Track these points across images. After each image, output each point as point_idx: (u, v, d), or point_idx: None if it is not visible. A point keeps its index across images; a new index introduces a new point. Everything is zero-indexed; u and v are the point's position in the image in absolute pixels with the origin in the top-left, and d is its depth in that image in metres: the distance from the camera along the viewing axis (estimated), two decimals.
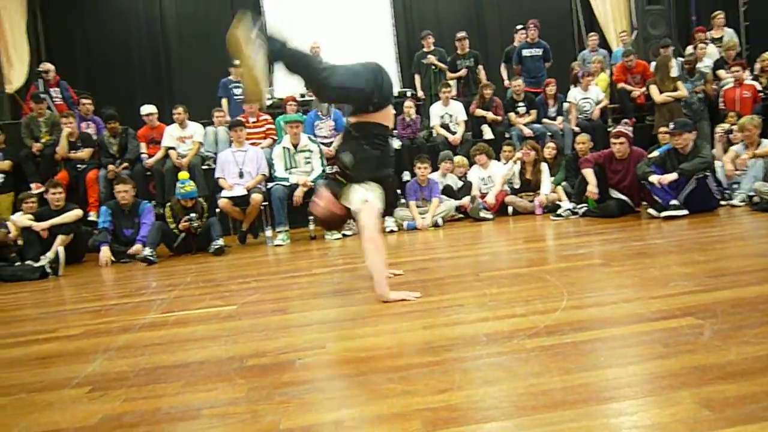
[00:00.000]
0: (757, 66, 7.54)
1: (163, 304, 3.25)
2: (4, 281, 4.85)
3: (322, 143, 6.90)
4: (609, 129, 7.14)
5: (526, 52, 8.21)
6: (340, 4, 10.47)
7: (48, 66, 7.75)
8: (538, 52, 8.21)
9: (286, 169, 5.85)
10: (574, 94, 7.65)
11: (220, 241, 5.22)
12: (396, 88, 9.06)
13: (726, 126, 6.32)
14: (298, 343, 2.17)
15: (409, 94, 8.49)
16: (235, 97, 7.80)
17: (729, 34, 8.55)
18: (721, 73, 7.69)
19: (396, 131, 7.50)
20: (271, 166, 6.00)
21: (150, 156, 6.95)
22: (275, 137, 6.93)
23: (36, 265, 4.97)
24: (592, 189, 5.30)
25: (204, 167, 6.87)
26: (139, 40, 10.17)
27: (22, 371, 2.19)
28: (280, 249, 5.36)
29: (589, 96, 7.56)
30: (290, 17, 10.30)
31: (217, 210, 5.80)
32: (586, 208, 5.45)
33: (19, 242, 5.32)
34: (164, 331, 2.61)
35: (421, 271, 3.51)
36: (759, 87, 7.07)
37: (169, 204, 5.63)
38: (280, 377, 1.81)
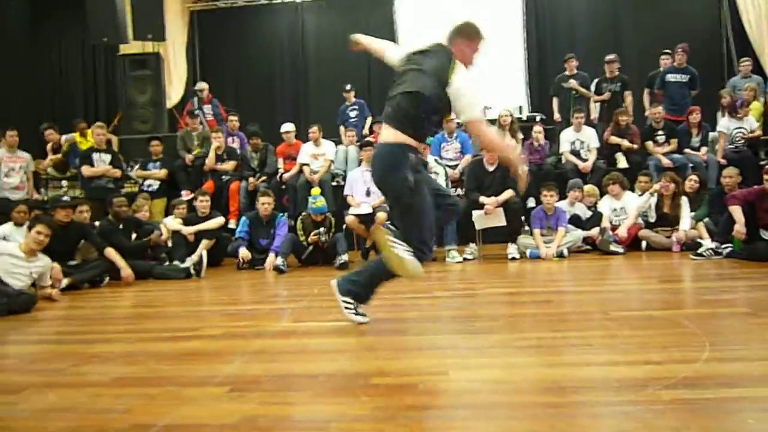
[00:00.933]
0: None
1: (293, 313, 3.45)
2: (155, 278, 5.40)
3: (448, 165, 6.96)
4: (762, 163, 6.52)
5: (670, 77, 7.72)
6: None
7: (203, 85, 8.56)
8: (685, 78, 7.70)
9: None
10: (726, 123, 7.08)
11: (345, 257, 5.44)
12: (525, 113, 8.94)
13: None
14: (420, 367, 2.21)
15: (538, 118, 8.33)
16: (350, 120, 8.14)
17: None
18: None
19: (523, 156, 7.38)
20: None
21: (286, 171, 7.41)
22: None
23: (182, 266, 5.48)
24: (740, 228, 4.85)
25: (333, 184, 7.19)
26: (282, 61, 10.92)
27: (170, 365, 2.42)
28: None
29: (743, 126, 6.96)
30: (424, 34, 10.54)
31: (344, 226, 6.04)
32: (730, 249, 5.00)
33: (169, 244, 5.91)
34: (294, 340, 2.77)
35: (544, 304, 3.42)
36: None
37: (300, 217, 5.96)
38: (404, 399, 1.86)
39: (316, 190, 6.06)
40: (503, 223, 5.71)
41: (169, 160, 7.49)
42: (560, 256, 5.61)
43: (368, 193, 6.10)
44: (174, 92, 9.66)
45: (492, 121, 7.71)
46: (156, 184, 7.28)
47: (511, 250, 5.70)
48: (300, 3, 10.89)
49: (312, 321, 3.15)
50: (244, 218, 6.05)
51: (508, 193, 5.67)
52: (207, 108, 8.46)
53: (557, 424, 1.59)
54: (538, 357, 2.27)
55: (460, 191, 6.57)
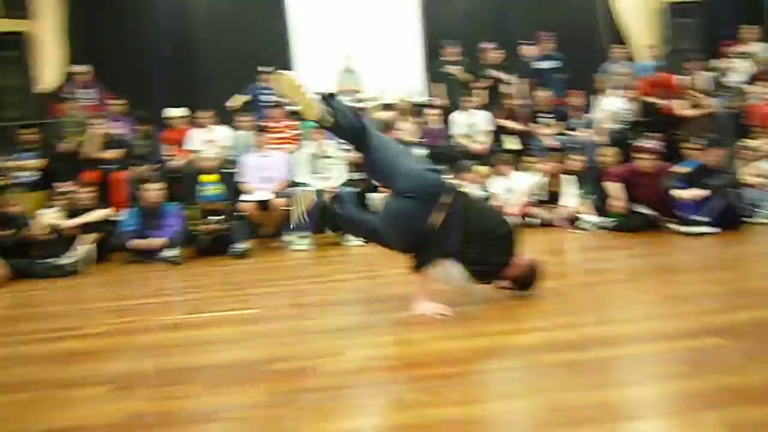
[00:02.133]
0: None
1: (186, 305, 3.30)
2: (36, 277, 4.96)
3: (347, 149, 6.93)
4: (635, 142, 7.05)
5: (548, 64, 8.18)
6: (367, 13, 10.54)
7: (80, 68, 7.93)
8: (555, 63, 8.19)
9: (310, 175, 5.89)
10: (615, 103, 7.58)
11: (242, 245, 5.26)
12: (420, 97, 9.09)
13: (749, 142, 6.20)
14: (317, 349, 2.18)
15: (434, 102, 8.50)
16: (261, 104, 7.89)
17: (761, 49, 8.40)
18: (749, 88, 7.56)
19: (420, 140, 7.51)
20: (294, 171, 6.05)
21: (176, 159, 7.06)
22: (300, 142, 6.99)
23: (63, 262, 5.07)
24: (617, 203, 5.24)
25: (228, 171, 6.95)
26: (171, 43, 10.35)
27: (48, 367, 2.24)
28: (300, 254, 5.39)
29: (631, 107, 7.51)
30: (315, 20, 10.40)
31: (240, 214, 5.85)
32: (610, 222, 5.38)
33: (49, 239, 5.45)
34: (186, 332, 2.65)
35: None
36: None
37: (193, 206, 5.70)
38: (300, 383, 1.83)
39: (207, 177, 5.82)
40: None
41: (48, 150, 6.89)
42: None
43: (265, 179, 5.95)
44: (49, 76, 8.88)
45: (389, 105, 7.80)
46: (32, 176, 6.68)
47: None
48: None
49: (207, 312, 3.03)
50: (130, 209, 5.70)
51: None
52: (87, 92, 7.85)
53: (449, 393, 1.63)
54: (435, 331, 2.31)
55: (359, 174, 6.58)
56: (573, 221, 5.80)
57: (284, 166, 6.05)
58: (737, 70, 8.02)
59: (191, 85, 10.23)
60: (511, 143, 7.51)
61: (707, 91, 7.26)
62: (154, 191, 5.59)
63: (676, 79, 7.86)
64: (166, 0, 10.32)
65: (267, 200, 5.77)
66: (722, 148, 4.98)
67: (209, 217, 5.46)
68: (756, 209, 5.25)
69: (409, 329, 2.38)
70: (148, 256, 5.43)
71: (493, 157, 6.82)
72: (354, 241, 5.63)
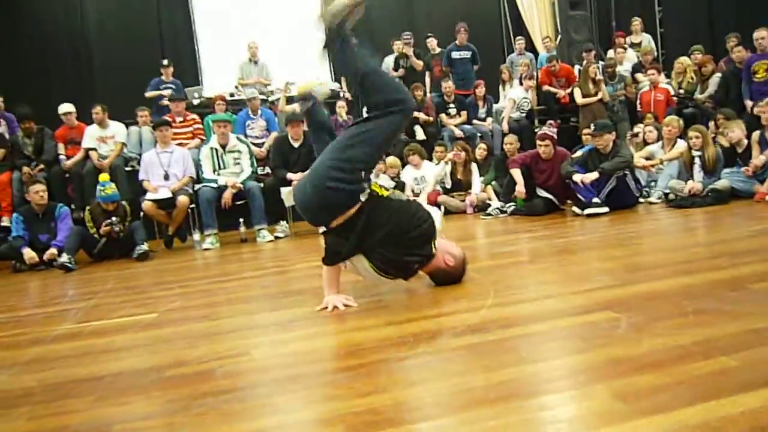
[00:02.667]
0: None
1: (79, 313, 3.07)
2: None
3: (253, 143, 6.76)
4: (536, 130, 7.36)
5: (455, 55, 8.35)
6: (272, 5, 10.31)
7: None
8: (467, 54, 8.37)
9: (214, 171, 5.68)
10: (516, 92, 7.83)
11: (144, 246, 5.01)
12: (331, 87, 9.02)
13: (637, 129, 6.64)
14: (221, 351, 2.09)
15: (342, 94, 8.45)
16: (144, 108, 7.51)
17: (646, 39, 9.00)
18: (639, 76, 8.09)
19: None
20: (198, 167, 5.81)
21: (69, 157, 6.60)
22: (203, 137, 6.74)
23: None
24: (520, 188, 5.44)
25: (127, 169, 6.59)
26: (57, 34, 9.61)
27: None
28: (208, 253, 5.20)
29: (528, 96, 7.78)
30: (219, 13, 10.05)
31: (142, 214, 5.56)
32: (514, 207, 5.59)
33: None
34: (78, 342, 2.46)
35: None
36: (672, 90, 7.47)
37: (88, 208, 5.35)
38: (200, 387, 1.74)
39: (104, 176, 5.49)
40: None
41: None
42: None
43: (167, 176, 5.68)
44: None
45: (294, 98, 7.66)
46: None
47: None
48: None
49: (100, 320, 2.83)
50: (15, 215, 5.27)
51: None
52: None
53: (356, 385, 1.61)
54: (339, 324, 2.28)
55: (267, 169, 6.44)
56: (482, 208, 5.97)
57: (187, 163, 5.80)
58: (627, 59, 8.55)
59: (87, 80, 9.61)
60: (420, 134, 7.62)
61: (600, 80, 7.68)
62: (41, 193, 5.19)
63: (570, 68, 8.27)
64: None
65: (170, 199, 5.51)
66: (614, 133, 5.27)
67: (108, 220, 5.14)
68: (647, 189, 5.64)
69: (317, 323, 2.34)
70: (38, 263, 5.06)
71: (403, 148, 6.89)
72: (265, 237, 5.51)
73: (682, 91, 7.43)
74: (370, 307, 2.50)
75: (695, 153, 5.30)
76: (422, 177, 6.47)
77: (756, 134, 5.29)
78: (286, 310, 2.64)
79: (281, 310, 2.66)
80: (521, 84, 8.04)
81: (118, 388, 1.84)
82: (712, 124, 6.00)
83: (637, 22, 9.03)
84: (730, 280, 2.33)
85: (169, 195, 5.52)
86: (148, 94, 7.64)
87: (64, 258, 4.80)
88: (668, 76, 7.94)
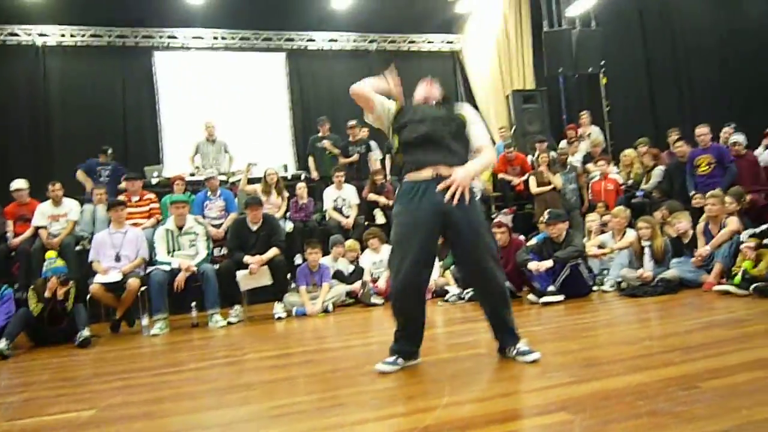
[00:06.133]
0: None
1: (9, 409, 2.85)
2: None
3: (212, 224, 6.69)
4: (492, 216, 7.52)
5: None
6: (237, 87, 10.56)
7: None
8: None
9: (169, 252, 5.54)
10: None
11: (86, 332, 4.74)
12: (291, 171, 9.11)
13: (595, 216, 6.86)
14: None
15: (303, 176, 8.54)
16: (101, 179, 7.46)
17: (595, 132, 9.49)
18: (590, 166, 8.45)
19: (288, 214, 7.46)
20: (152, 248, 5.67)
21: (17, 234, 6.38)
22: (160, 217, 6.63)
23: None
24: None
25: (78, 248, 6.39)
26: (19, 109, 9.55)
27: None
28: (156, 339, 4.98)
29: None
30: (184, 94, 10.21)
31: (88, 297, 5.32)
32: (472, 294, 5.58)
33: None
34: None
35: (305, 364, 3.37)
36: (621, 180, 7.81)
37: (32, 286, 5.08)
38: None
39: (50, 253, 5.32)
40: (269, 282, 5.61)
41: None
42: (326, 311, 5.69)
43: (118, 258, 5.51)
44: None
45: (257, 179, 7.70)
46: None
47: (278, 309, 5.60)
48: (41, 46, 9.76)
49: (31, 416, 2.63)
50: None
51: (272, 251, 5.60)
52: None
53: None
54: (288, 425, 2.17)
55: (224, 251, 6.33)
56: (440, 293, 5.96)
57: (141, 244, 5.65)
58: (579, 150, 8.95)
59: (45, 155, 9.46)
60: (381, 218, 7.68)
61: (553, 169, 7.98)
62: None
63: (525, 157, 8.60)
64: (20, 63, 9.65)
65: (120, 281, 5.32)
66: (567, 222, 5.41)
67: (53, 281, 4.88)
68: (600, 278, 5.74)
69: (266, 424, 2.22)
70: None
71: (362, 232, 6.91)
72: (217, 323, 5.33)
73: (631, 181, 7.77)
74: (321, 406, 2.40)
75: (645, 243, 5.47)
76: (381, 261, 6.44)
77: (701, 225, 5.52)
78: (232, 408, 2.50)
79: (226, 408, 2.52)
80: None
81: None
82: (658, 214, 6.24)
83: (585, 115, 9.54)
84: (682, 378, 2.34)
85: (119, 278, 5.33)
86: (79, 176, 7.55)
87: (1, 344, 4.50)
88: (618, 166, 8.33)
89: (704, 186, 6.48)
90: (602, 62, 10.63)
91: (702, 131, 6.90)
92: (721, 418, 1.83)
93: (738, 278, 4.59)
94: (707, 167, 6.76)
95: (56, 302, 4.87)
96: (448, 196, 2.71)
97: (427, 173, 2.79)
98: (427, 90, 3.04)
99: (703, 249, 5.25)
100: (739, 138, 7.11)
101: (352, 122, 8.58)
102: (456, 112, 2.97)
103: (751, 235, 4.85)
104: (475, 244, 2.82)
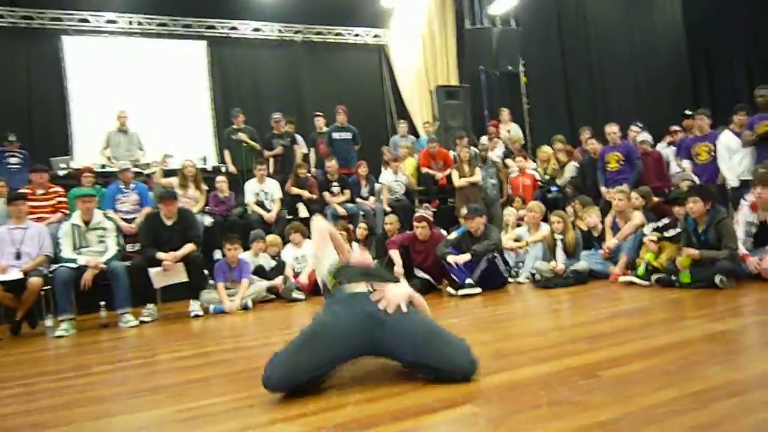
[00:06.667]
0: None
1: None
2: None
3: (124, 218, 6.41)
4: (415, 210, 7.61)
5: (336, 135, 8.59)
6: (154, 75, 10.12)
7: None
8: (348, 135, 8.64)
9: (75, 249, 5.24)
10: (386, 176, 8.09)
11: None
12: (211, 163, 8.84)
13: (513, 210, 7.09)
14: None
15: (223, 169, 8.32)
16: (10, 167, 6.97)
17: (514, 129, 9.80)
18: (509, 162, 8.71)
19: (208, 207, 7.24)
20: (57, 245, 5.34)
21: None
22: (67, 211, 6.26)
23: None
24: (398, 269, 5.53)
25: None
26: None
27: None
28: (61, 341, 4.69)
29: (399, 179, 8.04)
30: (97, 81, 9.68)
31: None
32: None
33: None
34: None
35: (219, 364, 3.27)
36: (538, 176, 8.10)
37: None
38: None
39: None
40: (184, 278, 5.42)
41: None
42: (245, 308, 5.57)
43: (18, 255, 5.15)
44: None
45: (173, 171, 7.42)
46: None
47: (194, 306, 5.43)
48: None
49: None
50: None
51: (188, 247, 5.42)
52: None
53: None
54: (195, 429, 2.10)
55: (137, 246, 6.06)
56: None
57: (44, 240, 5.31)
58: (499, 146, 9.21)
59: None
60: (304, 211, 7.61)
61: (474, 164, 8.16)
62: None
63: (448, 152, 8.75)
64: None
65: (20, 280, 4.98)
66: (484, 216, 5.56)
67: None
68: (515, 270, 5.93)
69: (172, 430, 2.14)
70: None
71: (285, 226, 6.81)
72: (128, 322, 5.10)
73: (547, 176, 8.08)
74: (232, 407, 2.33)
75: (557, 236, 5.71)
76: (303, 256, 6.39)
77: (609, 219, 5.81)
78: (138, 413, 2.40)
79: (132, 413, 2.41)
80: (387, 167, 8.35)
81: None
82: (570, 208, 6.52)
83: (505, 113, 9.83)
84: (584, 367, 2.44)
85: (20, 276, 4.98)
86: None
87: None
88: (535, 162, 8.63)
89: (614, 182, 6.84)
90: (522, 61, 10.98)
91: (612, 129, 7.27)
92: (616, 406, 1.92)
93: (641, 269, 4.87)
94: (616, 164, 7.13)
95: None
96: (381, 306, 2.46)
97: (361, 287, 2.57)
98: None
99: (610, 242, 5.53)
100: (646, 137, 7.55)
101: (277, 115, 8.45)
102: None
103: (654, 229, 5.16)
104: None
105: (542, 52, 11.40)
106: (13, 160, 7.15)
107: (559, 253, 5.62)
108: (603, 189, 7.06)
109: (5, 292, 4.98)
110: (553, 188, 7.72)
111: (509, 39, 10.26)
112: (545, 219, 6.23)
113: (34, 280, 4.95)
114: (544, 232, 5.88)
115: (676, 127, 8.15)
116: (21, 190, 6.03)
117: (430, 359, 2.36)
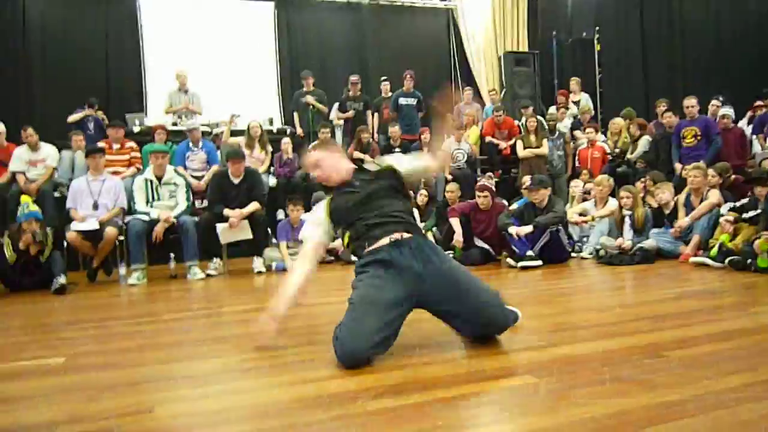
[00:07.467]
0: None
1: None
2: None
3: (193, 176, 6.61)
4: (477, 179, 7.49)
5: (402, 101, 8.49)
6: (223, 36, 10.27)
7: None
8: (413, 101, 8.54)
9: (148, 202, 5.47)
10: (449, 143, 7.98)
11: (62, 279, 4.72)
12: (276, 125, 8.97)
13: (580, 183, 6.87)
14: (123, 406, 1.94)
15: (288, 131, 8.42)
16: (88, 132, 7.31)
17: (585, 99, 9.42)
18: (577, 133, 8.42)
19: (272, 168, 7.37)
20: (131, 198, 5.60)
21: None
22: (140, 166, 6.53)
23: None
24: (458, 238, 5.49)
25: (56, 195, 6.29)
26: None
27: None
28: (133, 289, 4.96)
29: (462, 147, 7.92)
30: (169, 41, 9.93)
31: (65, 244, 5.27)
32: (452, 255, 5.60)
33: None
34: None
35: (283, 319, 3.36)
36: (607, 149, 7.80)
37: (8, 232, 5.03)
38: None
39: (25, 198, 5.24)
40: (249, 236, 5.59)
41: None
42: None
43: (96, 206, 5.43)
44: None
45: (240, 132, 7.58)
46: None
47: (257, 263, 5.59)
48: None
49: (1, 362, 2.61)
50: None
51: (253, 206, 5.56)
52: None
53: None
54: (258, 379, 2.18)
55: (204, 203, 6.27)
56: None
57: (119, 193, 5.57)
58: (568, 116, 8.90)
59: (25, 99, 9.21)
60: None
61: (541, 135, 7.93)
62: None
63: (513, 121, 8.53)
64: None
65: (97, 229, 5.26)
66: (549, 188, 5.41)
67: (35, 231, 4.83)
68: (579, 245, 5.78)
69: (231, 378, 2.23)
70: None
71: None
72: (196, 275, 5.32)
73: (617, 150, 7.76)
74: (291, 361, 2.40)
75: (626, 212, 5.50)
76: None
77: (682, 197, 5.54)
78: (203, 360, 2.51)
79: (197, 360, 2.53)
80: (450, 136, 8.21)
81: None
82: (640, 184, 6.26)
83: (575, 82, 9.45)
84: (648, 346, 2.37)
85: (97, 226, 5.26)
86: (72, 117, 7.43)
87: None
88: (605, 134, 8.31)
89: (689, 158, 6.49)
90: (597, 28, 10.48)
91: (690, 102, 6.87)
92: (682, 387, 1.85)
93: (714, 251, 4.64)
94: (693, 139, 6.76)
95: (30, 256, 4.83)
96: None
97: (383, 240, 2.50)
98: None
99: (682, 220, 5.28)
100: (728, 111, 7.10)
101: (355, 77, 8.44)
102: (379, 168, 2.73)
103: (731, 209, 4.88)
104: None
105: (619, 18, 10.82)
106: (91, 125, 7.48)
107: (627, 229, 5.42)
108: (677, 165, 6.72)
109: (83, 240, 5.27)
110: (624, 162, 7.41)
111: (585, 4, 9.79)
112: (613, 194, 6.01)
113: (110, 231, 5.22)
114: (612, 207, 5.68)
115: (760, 102, 7.61)
116: (98, 144, 6.32)
117: (468, 309, 2.42)
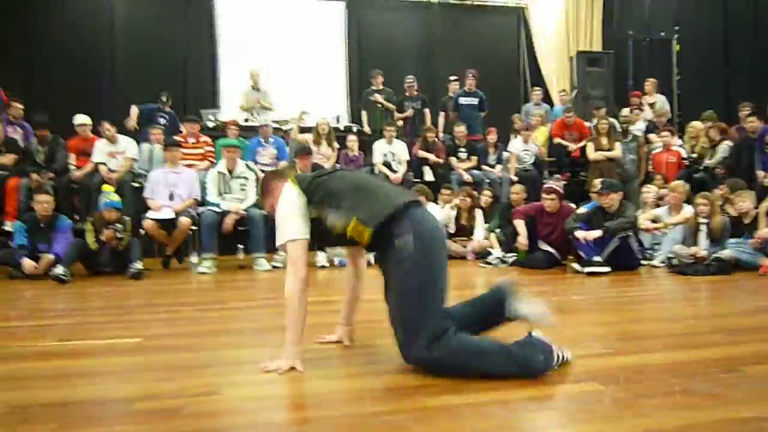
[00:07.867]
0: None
1: (61, 330, 3.03)
2: None
3: (263, 170, 6.78)
4: (544, 181, 7.34)
5: (463, 101, 8.44)
6: (295, 34, 10.50)
7: None
8: (474, 101, 8.46)
9: (219, 195, 5.68)
10: (516, 144, 7.86)
11: (138, 265, 4.98)
12: (343, 123, 9.09)
13: (654, 188, 6.59)
14: (193, 387, 2.04)
15: (354, 129, 8.52)
16: (158, 125, 7.60)
17: (661, 101, 9.02)
18: (652, 136, 8.08)
19: (338, 165, 7.48)
20: (204, 189, 5.82)
21: (79, 168, 6.65)
22: (214, 160, 6.78)
23: None
24: (522, 240, 5.40)
25: (134, 185, 6.62)
26: (84, 46, 9.80)
27: None
28: (204, 277, 5.17)
29: (529, 148, 7.77)
30: (243, 38, 10.25)
31: (142, 232, 5.56)
32: (515, 258, 5.53)
33: None
34: (54, 362, 2.42)
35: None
36: (684, 154, 7.45)
37: (90, 219, 5.35)
38: (164, 425, 1.69)
39: (107, 187, 5.55)
40: None
41: None
42: (369, 264, 5.73)
43: (171, 197, 5.69)
44: None
45: (308, 129, 7.73)
46: None
47: (321, 258, 5.70)
48: None
49: (82, 339, 2.79)
50: (18, 224, 5.28)
51: None
52: None
53: None
54: (314, 370, 2.22)
55: None
56: (483, 255, 5.92)
57: (194, 185, 5.81)
58: (641, 118, 8.55)
59: (107, 94, 9.73)
60: (429, 175, 7.63)
61: (613, 137, 7.66)
62: (45, 203, 5.20)
63: (584, 123, 8.29)
64: (79, 3, 9.88)
65: (172, 219, 5.51)
66: (620, 193, 5.23)
67: (116, 225, 5.13)
68: (650, 252, 5.56)
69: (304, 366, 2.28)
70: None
71: (410, 188, 6.87)
72: (262, 266, 5.47)
73: (694, 155, 7.41)
74: (355, 353, 2.44)
75: (701, 220, 5.25)
76: None
77: (764, 206, 5.23)
78: (269, 348, 2.58)
79: (263, 347, 2.61)
80: (516, 135, 8.06)
81: (81, 417, 1.79)
82: (719, 191, 5.94)
83: (651, 83, 9.07)
84: (723, 360, 2.26)
85: (172, 215, 5.52)
86: (132, 111, 7.72)
87: (60, 270, 4.78)
88: (682, 138, 7.94)
89: None
90: (676, 27, 10.02)
91: None
92: (759, 404, 1.77)
93: None
94: None
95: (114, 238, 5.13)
96: None
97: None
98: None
99: (764, 230, 4.99)
100: None
101: (410, 78, 8.46)
102: None
103: None
104: None
105: (701, 17, 10.30)
106: (162, 120, 7.80)
107: (702, 238, 5.17)
108: (760, 173, 6.35)
109: (159, 229, 5.54)
110: (701, 168, 7.06)
111: (664, 2, 9.39)
112: (688, 200, 5.75)
113: (184, 220, 5.46)
114: (687, 214, 5.43)
115: None
116: (175, 137, 6.61)
117: None
